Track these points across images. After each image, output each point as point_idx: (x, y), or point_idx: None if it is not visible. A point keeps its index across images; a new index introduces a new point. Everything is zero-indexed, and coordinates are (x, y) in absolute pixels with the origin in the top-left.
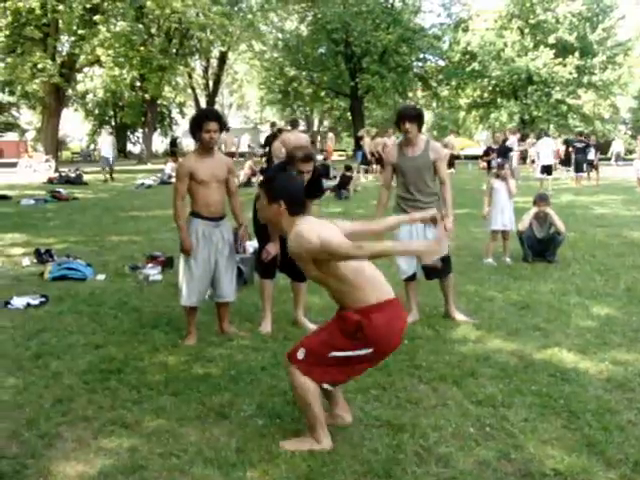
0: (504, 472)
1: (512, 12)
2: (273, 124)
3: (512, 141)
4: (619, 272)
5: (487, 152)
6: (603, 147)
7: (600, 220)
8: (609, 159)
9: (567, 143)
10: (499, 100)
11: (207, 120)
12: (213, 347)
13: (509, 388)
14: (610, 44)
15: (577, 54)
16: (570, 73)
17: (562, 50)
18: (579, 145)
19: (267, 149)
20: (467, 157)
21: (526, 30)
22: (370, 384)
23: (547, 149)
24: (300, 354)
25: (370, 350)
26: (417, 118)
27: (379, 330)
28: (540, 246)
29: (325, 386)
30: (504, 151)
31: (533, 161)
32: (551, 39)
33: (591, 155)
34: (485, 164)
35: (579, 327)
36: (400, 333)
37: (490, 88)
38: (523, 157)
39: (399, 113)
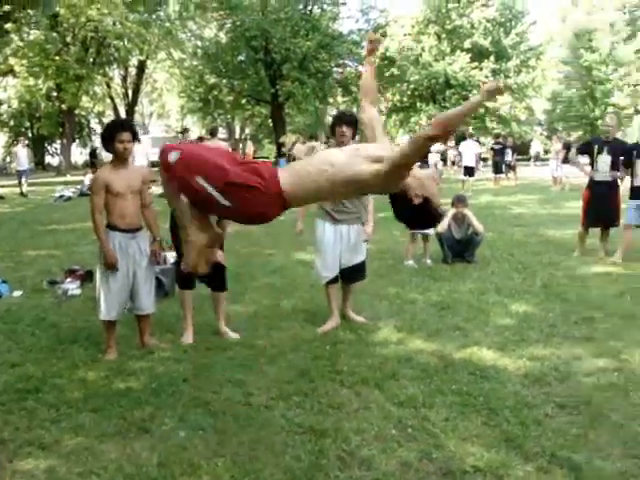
0: (426, 472)
1: (429, 18)
2: (184, 130)
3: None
4: (536, 270)
5: None
6: (521, 148)
7: (518, 219)
8: (529, 159)
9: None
10: (418, 104)
11: (120, 130)
12: (134, 360)
13: (430, 388)
14: (523, 48)
15: (492, 58)
16: (486, 76)
17: (478, 54)
18: (497, 147)
19: None
20: None
21: (443, 35)
22: (292, 391)
23: (469, 151)
24: None
25: None
26: (354, 124)
27: None
28: (459, 247)
29: None
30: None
31: (453, 162)
32: (467, 44)
33: (508, 156)
34: None
35: (498, 325)
36: None
37: (409, 92)
38: (443, 159)
39: (337, 117)
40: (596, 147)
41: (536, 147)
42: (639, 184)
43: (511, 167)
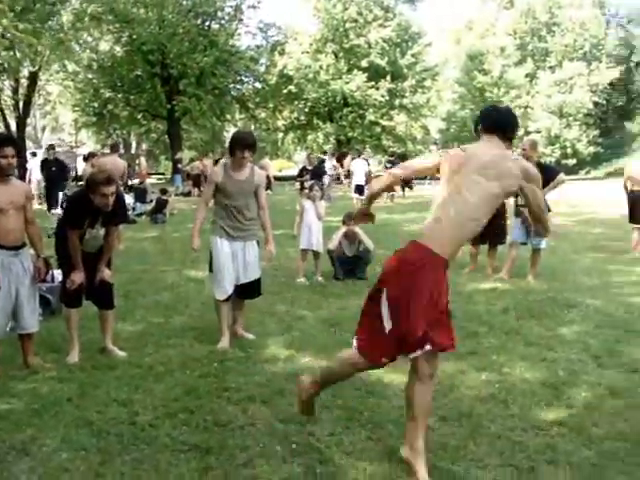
0: None
1: (327, 36)
2: (50, 147)
3: (328, 163)
4: None
5: (301, 173)
6: None
7: (411, 237)
8: (425, 177)
9: None
10: (315, 121)
11: (2, 146)
12: (16, 381)
13: (316, 404)
14: (419, 69)
15: (389, 78)
16: (382, 96)
17: (374, 74)
18: (389, 165)
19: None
20: (285, 178)
21: (340, 54)
22: (178, 408)
23: (360, 169)
24: None
25: None
26: (254, 145)
27: None
28: (350, 264)
29: None
30: (318, 173)
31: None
32: (364, 63)
33: None
34: (299, 185)
35: None
36: None
37: (307, 110)
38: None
39: (237, 140)
40: None
41: None
42: (523, 202)
43: (408, 185)
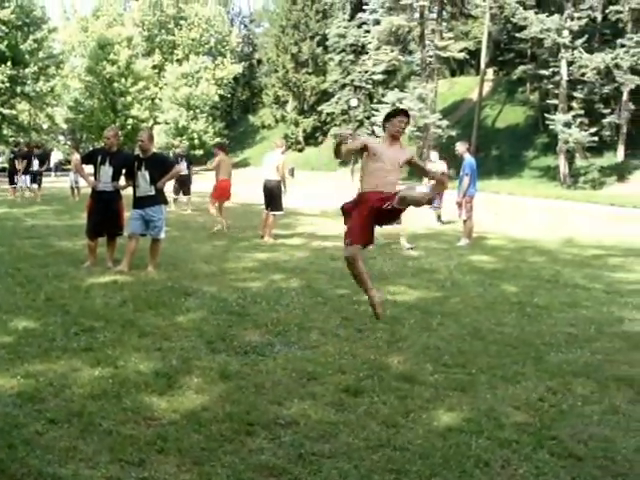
0: None
1: None
2: None
3: None
4: (41, 283)
5: None
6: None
7: (30, 232)
8: (50, 170)
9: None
10: None
11: None
12: None
13: None
14: (42, 55)
15: (9, 63)
16: (3, 82)
17: None
18: (12, 156)
19: None
20: None
21: None
22: None
23: None
24: None
25: None
26: None
27: None
28: None
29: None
30: None
31: None
32: None
33: (35, 166)
34: None
35: None
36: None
37: None
38: None
39: None
40: (99, 157)
41: (57, 157)
42: (141, 194)
43: (39, 177)
